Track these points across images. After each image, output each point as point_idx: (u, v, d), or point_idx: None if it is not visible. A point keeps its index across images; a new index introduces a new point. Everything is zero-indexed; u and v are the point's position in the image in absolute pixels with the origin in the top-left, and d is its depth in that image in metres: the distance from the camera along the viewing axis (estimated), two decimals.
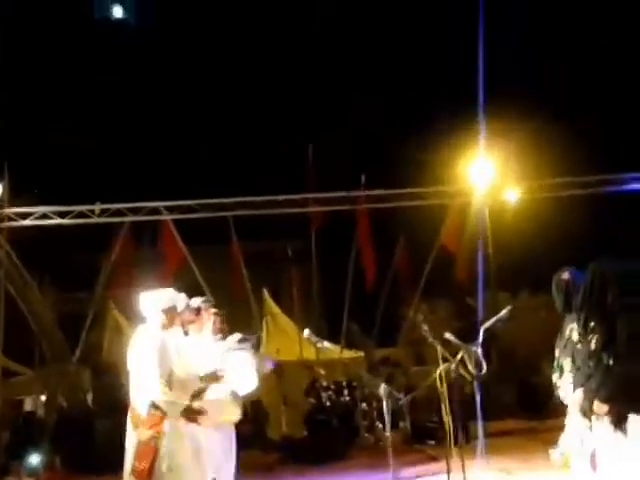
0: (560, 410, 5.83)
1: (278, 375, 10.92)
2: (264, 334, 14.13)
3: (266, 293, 15.11)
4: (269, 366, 6.75)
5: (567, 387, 5.47)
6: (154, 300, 5.81)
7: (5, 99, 17.24)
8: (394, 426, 9.02)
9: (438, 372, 5.42)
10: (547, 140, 17.00)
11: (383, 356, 15.29)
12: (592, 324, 5.26)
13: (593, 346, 5.18)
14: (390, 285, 15.78)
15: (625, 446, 4.89)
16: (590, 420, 5.21)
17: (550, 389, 5.99)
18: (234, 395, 6.16)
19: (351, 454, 9.68)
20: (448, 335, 5.86)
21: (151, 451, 5.52)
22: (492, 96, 13.87)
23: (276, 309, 15.25)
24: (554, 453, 5.63)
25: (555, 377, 5.65)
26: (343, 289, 15.48)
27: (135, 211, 13.56)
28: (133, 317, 6.73)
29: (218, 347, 6.44)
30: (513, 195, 14.05)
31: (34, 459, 11.24)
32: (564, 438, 5.63)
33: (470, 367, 5.97)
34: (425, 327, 5.60)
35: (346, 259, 15.35)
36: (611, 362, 5.02)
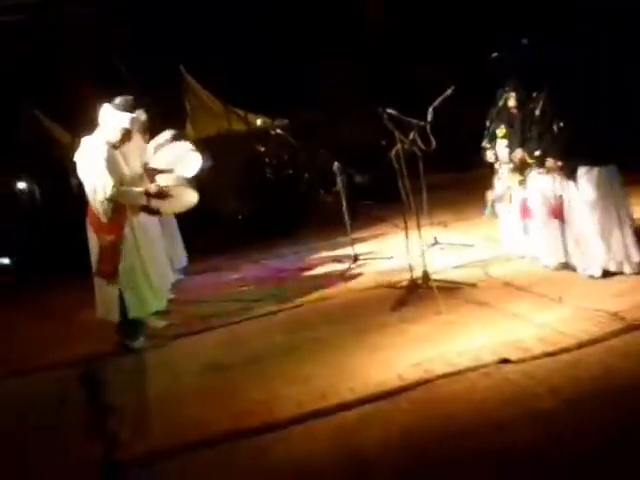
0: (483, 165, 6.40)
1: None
2: (188, 113, 13.91)
3: (183, 69, 14.59)
4: (205, 164, 6.90)
5: (501, 150, 5.97)
6: (115, 117, 5.79)
7: None
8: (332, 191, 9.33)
9: (394, 152, 5.83)
10: None
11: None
12: (535, 93, 5.62)
13: (538, 112, 5.58)
14: None
15: (574, 195, 5.47)
16: (523, 175, 5.80)
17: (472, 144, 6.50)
18: (182, 180, 6.42)
19: (302, 222, 10.01)
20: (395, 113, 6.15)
21: (114, 253, 5.86)
22: None
23: (196, 84, 14.88)
24: (486, 210, 6.29)
25: (485, 142, 6.14)
26: None
27: None
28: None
29: (151, 145, 6.57)
30: None
31: None
32: (493, 194, 6.26)
33: (420, 143, 6.34)
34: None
35: None
36: (560, 125, 5.39)
